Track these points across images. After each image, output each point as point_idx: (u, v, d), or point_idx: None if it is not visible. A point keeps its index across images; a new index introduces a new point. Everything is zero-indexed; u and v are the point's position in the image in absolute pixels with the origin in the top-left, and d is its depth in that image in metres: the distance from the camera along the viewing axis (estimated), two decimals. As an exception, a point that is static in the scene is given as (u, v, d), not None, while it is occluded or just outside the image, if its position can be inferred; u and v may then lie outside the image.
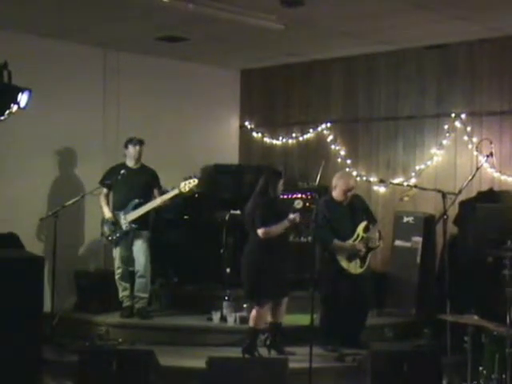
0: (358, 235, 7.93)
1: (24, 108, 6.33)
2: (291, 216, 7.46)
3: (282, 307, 7.73)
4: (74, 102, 9.50)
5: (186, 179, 8.47)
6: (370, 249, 7.99)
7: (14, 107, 6.26)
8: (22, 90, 6.28)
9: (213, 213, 9.90)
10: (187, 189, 8.42)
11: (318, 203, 8.23)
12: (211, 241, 9.59)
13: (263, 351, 7.69)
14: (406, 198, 7.96)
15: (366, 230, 7.99)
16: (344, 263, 7.85)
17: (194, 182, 8.42)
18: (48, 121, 9.17)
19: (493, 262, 7.83)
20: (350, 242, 7.89)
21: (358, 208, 8.14)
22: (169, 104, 10.54)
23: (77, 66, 9.55)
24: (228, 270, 9.25)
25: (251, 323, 7.64)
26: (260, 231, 7.44)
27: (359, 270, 7.91)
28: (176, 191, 8.46)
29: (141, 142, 8.76)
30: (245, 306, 8.15)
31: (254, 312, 7.63)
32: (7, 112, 6.22)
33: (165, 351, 7.36)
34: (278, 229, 7.47)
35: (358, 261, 7.90)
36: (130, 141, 8.78)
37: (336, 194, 8.06)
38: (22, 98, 6.29)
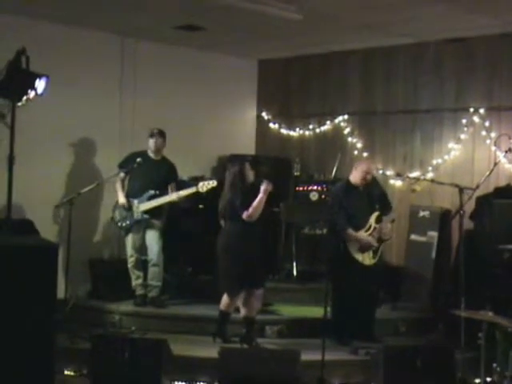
0: (370, 226, 7.90)
1: (41, 94, 6.31)
2: (263, 187, 7.52)
3: (254, 299, 7.70)
4: (90, 89, 9.51)
5: (205, 180, 8.49)
6: (382, 241, 7.96)
7: (32, 93, 6.24)
8: (40, 76, 6.26)
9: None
10: (205, 189, 8.42)
11: (333, 188, 8.28)
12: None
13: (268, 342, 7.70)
14: (417, 188, 7.93)
15: (379, 220, 7.96)
16: (356, 253, 7.82)
17: (212, 183, 8.41)
18: (64, 108, 9.18)
19: (509, 258, 7.79)
20: (363, 232, 7.86)
21: (375, 193, 8.10)
22: (185, 93, 10.52)
23: (94, 53, 9.55)
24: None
25: (221, 307, 7.78)
26: (245, 214, 7.50)
27: (371, 261, 7.88)
28: (193, 189, 8.45)
29: (159, 134, 8.76)
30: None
31: (225, 297, 7.74)
32: (24, 98, 6.21)
33: (177, 340, 7.40)
34: (258, 205, 7.52)
35: (370, 252, 7.87)
36: (151, 134, 8.77)
37: (355, 176, 8.02)
38: (40, 85, 6.27)
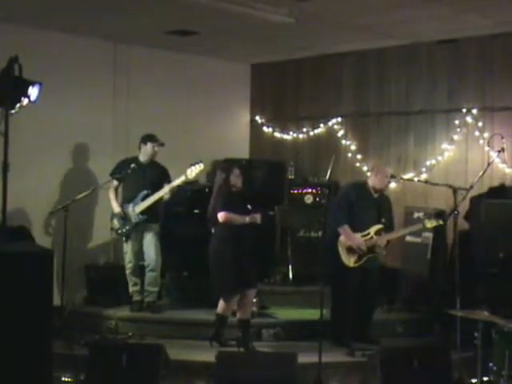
0: (368, 233, 7.91)
1: (34, 102, 6.31)
2: (254, 216, 7.63)
3: (247, 300, 7.74)
4: (84, 96, 9.51)
5: (192, 165, 8.44)
6: (372, 252, 7.94)
7: (25, 101, 6.25)
8: (33, 84, 6.27)
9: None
10: (194, 175, 8.39)
11: (347, 185, 8.36)
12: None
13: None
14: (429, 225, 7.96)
15: (378, 233, 7.96)
16: (342, 251, 7.83)
17: (200, 167, 8.38)
18: (58, 114, 9.19)
19: (504, 258, 7.81)
20: (359, 235, 7.87)
21: (385, 207, 8.12)
22: (179, 98, 10.54)
23: (87, 59, 9.56)
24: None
25: (218, 310, 7.80)
26: (220, 215, 7.58)
27: (353, 265, 7.86)
28: (183, 178, 8.41)
29: (162, 145, 8.75)
30: (254, 300, 8.15)
31: (221, 302, 7.76)
32: (18, 105, 6.21)
33: (174, 345, 7.40)
34: (237, 220, 7.59)
35: (355, 256, 7.87)
36: (152, 139, 8.71)
37: (377, 180, 8.02)
38: (33, 92, 6.27)
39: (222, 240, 7.70)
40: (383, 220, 8.03)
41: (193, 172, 8.36)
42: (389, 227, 8.08)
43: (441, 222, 7.90)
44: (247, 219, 7.62)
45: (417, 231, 8.27)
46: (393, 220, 8.26)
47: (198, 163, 8.41)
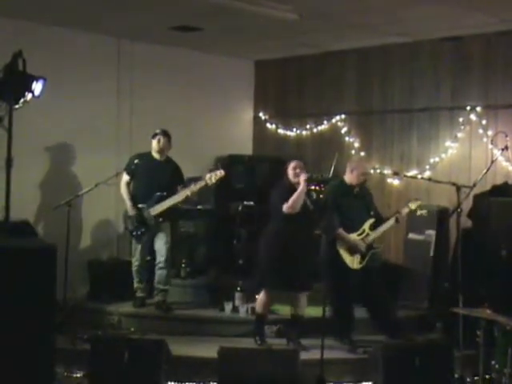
0: (363, 230, 7.89)
1: (38, 97, 6.34)
2: (302, 177, 7.55)
3: (300, 300, 7.75)
4: (87, 92, 9.51)
5: (211, 171, 8.37)
6: (372, 248, 7.93)
7: (29, 96, 6.27)
8: (37, 79, 6.29)
9: (226, 203, 9.91)
10: (213, 180, 8.28)
11: (328, 186, 8.30)
12: (224, 231, 9.60)
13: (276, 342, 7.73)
14: (412, 207, 8.00)
15: (373, 227, 7.95)
16: (344, 255, 7.80)
17: (220, 173, 8.28)
18: (61, 110, 9.19)
19: (506, 256, 7.80)
20: (355, 235, 7.85)
21: (369, 198, 8.14)
22: (182, 94, 10.54)
23: (91, 55, 9.57)
24: (241, 261, 9.27)
25: (256, 309, 7.83)
26: (285, 207, 7.47)
27: (357, 266, 7.81)
28: (202, 183, 8.32)
29: (162, 134, 8.60)
30: (257, 297, 8.16)
31: (261, 297, 7.76)
32: (22, 100, 6.23)
33: (176, 341, 7.38)
34: (297, 196, 7.48)
35: (358, 256, 7.85)
36: (152, 136, 8.61)
37: (352, 176, 8.01)
38: (37, 87, 6.30)
39: (270, 236, 7.68)
40: (372, 213, 8.04)
41: (212, 178, 8.27)
42: (378, 217, 8.10)
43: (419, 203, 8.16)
44: (302, 187, 7.51)
45: (406, 214, 8.30)
46: (378, 210, 8.25)
47: (219, 170, 8.34)
